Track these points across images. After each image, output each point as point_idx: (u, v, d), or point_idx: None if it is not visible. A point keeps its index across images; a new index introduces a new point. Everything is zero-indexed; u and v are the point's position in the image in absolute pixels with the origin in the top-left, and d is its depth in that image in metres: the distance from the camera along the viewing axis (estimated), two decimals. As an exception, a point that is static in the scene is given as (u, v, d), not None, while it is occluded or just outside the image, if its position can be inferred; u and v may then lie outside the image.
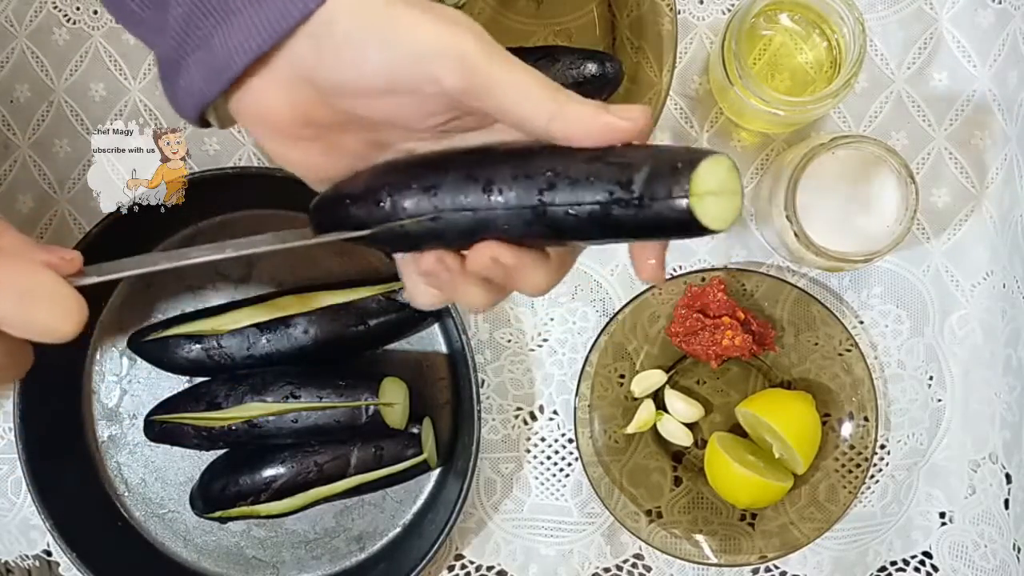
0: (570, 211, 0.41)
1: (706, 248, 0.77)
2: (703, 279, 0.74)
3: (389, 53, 0.41)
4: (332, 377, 0.72)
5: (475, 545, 0.77)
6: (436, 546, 0.71)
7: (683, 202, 0.39)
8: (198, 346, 0.73)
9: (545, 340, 0.77)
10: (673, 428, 0.75)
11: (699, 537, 0.75)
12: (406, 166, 0.45)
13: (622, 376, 0.76)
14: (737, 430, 0.76)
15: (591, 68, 0.71)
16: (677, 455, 0.77)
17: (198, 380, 0.76)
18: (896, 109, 0.76)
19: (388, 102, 0.43)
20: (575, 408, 0.74)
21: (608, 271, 0.77)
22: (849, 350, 0.74)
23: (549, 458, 0.77)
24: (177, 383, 0.77)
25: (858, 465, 0.74)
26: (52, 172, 0.78)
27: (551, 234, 0.42)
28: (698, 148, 0.41)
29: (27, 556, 0.77)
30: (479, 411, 0.71)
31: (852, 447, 0.74)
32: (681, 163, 0.39)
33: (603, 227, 0.41)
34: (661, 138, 0.76)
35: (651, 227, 0.40)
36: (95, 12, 0.78)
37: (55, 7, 0.78)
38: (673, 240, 0.43)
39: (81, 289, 0.43)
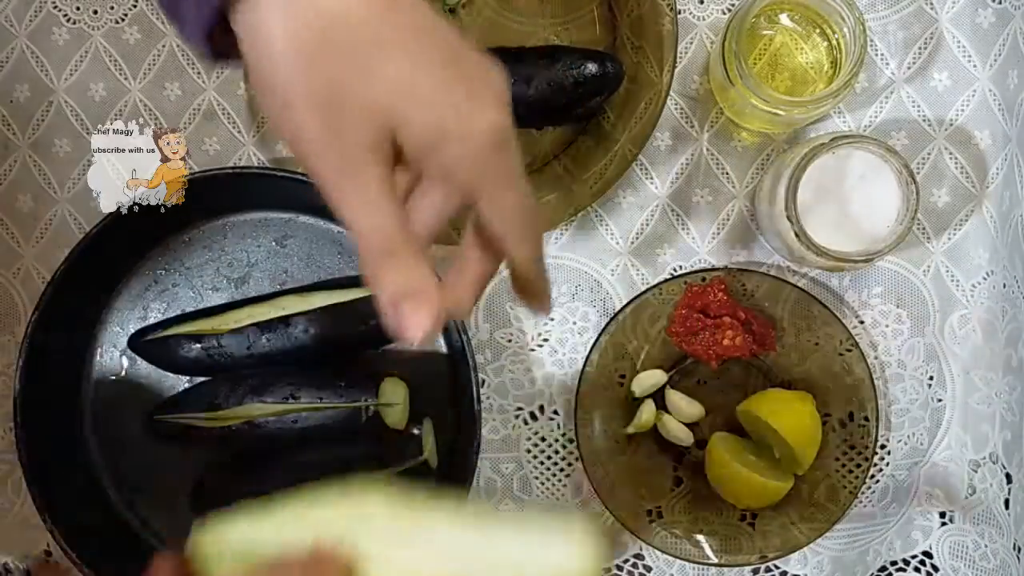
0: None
1: (706, 248, 0.77)
2: (703, 279, 0.74)
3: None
4: (332, 377, 0.72)
5: (475, 545, 0.77)
6: (436, 546, 0.71)
7: None
8: (198, 345, 0.73)
9: (545, 340, 0.77)
10: (674, 428, 0.75)
11: (699, 537, 0.75)
12: None
13: (622, 376, 0.75)
14: (737, 430, 0.75)
15: (591, 68, 0.71)
16: (677, 455, 0.77)
17: (198, 380, 0.76)
18: (896, 109, 0.76)
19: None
20: (575, 408, 0.74)
21: (609, 271, 0.77)
22: (849, 350, 0.74)
23: (549, 458, 0.77)
24: (177, 383, 0.77)
25: (858, 465, 0.74)
26: (52, 172, 0.78)
27: None
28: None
29: (27, 556, 0.77)
30: (479, 411, 0.70)
31: (852, 447, 0.74)
32: None
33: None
34: (661, 138, 0.76)
35: None
36: (95, 12, 0.78)
37: (55, 7, 0.78)
38: None
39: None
